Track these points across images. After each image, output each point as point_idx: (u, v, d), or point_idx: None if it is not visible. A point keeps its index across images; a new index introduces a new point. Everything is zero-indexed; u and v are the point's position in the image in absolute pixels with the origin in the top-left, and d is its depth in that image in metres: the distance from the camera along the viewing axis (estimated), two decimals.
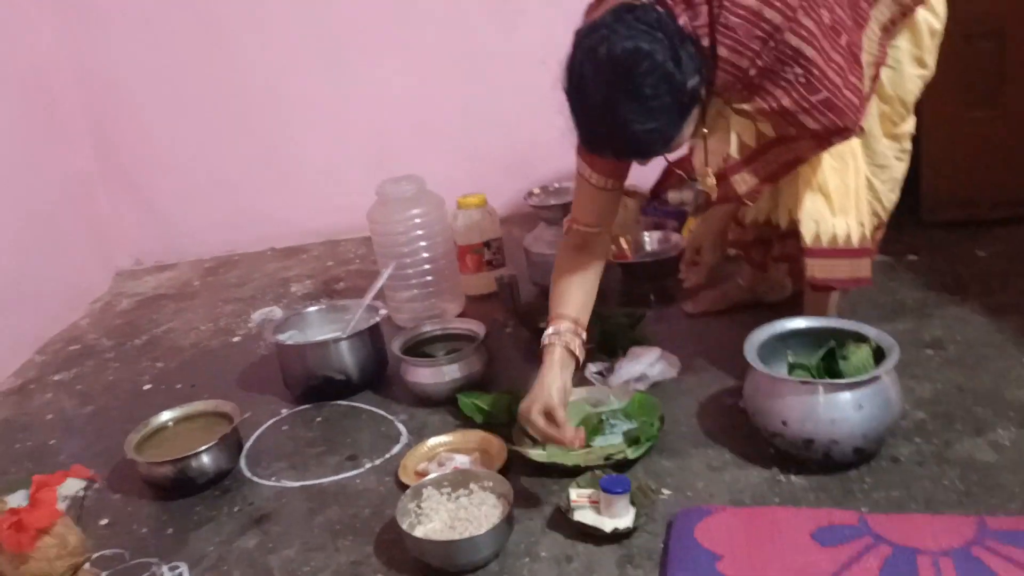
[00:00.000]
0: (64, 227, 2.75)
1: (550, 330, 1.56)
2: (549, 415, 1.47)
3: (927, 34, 1.58)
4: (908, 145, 1.70)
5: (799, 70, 1.37)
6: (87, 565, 1.39)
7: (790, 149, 1.54)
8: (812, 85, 1.38)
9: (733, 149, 1.63)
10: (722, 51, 1.38)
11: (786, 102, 1.40)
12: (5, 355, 2.35)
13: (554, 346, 1.54)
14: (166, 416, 1.78)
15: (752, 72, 1.38)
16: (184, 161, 3.01)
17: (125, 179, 3.02)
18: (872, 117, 1.60)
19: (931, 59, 1.62)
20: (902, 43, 1.58)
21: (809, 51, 1.36)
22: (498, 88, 2.79)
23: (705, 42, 1.38)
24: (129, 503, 1.67)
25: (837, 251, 1.62)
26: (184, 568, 1.46)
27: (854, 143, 1.58)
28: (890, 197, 1.70)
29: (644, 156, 1.43)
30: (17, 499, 1.37)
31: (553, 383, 1.50)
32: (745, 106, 1.46)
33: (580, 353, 1.55)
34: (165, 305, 2.71)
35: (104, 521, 1.63)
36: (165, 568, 1.48)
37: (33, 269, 2.52)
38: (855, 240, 1.62)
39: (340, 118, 2.95)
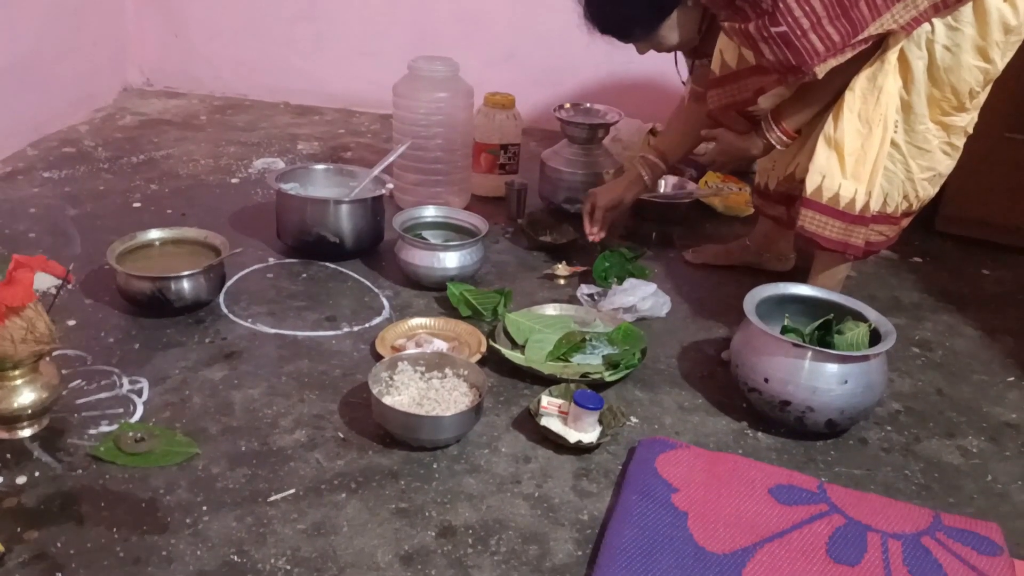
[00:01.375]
0: (85, 28, 2.67)
1: (641, 154, 1.98)
2: (594, 207, 1.94)
3: (998, 27, 1.48)
4: (958, 142, 1.62)
5: (769, 0, 1.45)
6: (48, 359, 1.37)
7: (761, 79, 1.64)
8: (775, 17, 1.46)
9: (715, 64, 1.67)
10: None
11: (751, 27, 1.49)
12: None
13: (634, 168, 1.96)
14: (154, 234, 1.75)
15: None
16: None
17: None
18: (919, 95, 1.55)
19: (998, 55, 1.51)
20: (967, 28, 1.48)
21: None
22: None
23: None
24: (100, 311, 1.65)
25: (835, 211, 1.59)
26: (144, 384, 1.45)
27: (888, 113, 1.54)
28: (926, 187, 1.63)
29: (620, 37, 1.78)
30: None
31: (613, 192, 1.95)
32: (725, 24, 1.56)
33: (650, 180, 1.95)
34: (167, 131, 2.65)
35: (72, 322, 1.61)
36: (125, 380, 1.46)
37: (45, 63, 2.44)
38: (858, 206, 1.58)
39: None
